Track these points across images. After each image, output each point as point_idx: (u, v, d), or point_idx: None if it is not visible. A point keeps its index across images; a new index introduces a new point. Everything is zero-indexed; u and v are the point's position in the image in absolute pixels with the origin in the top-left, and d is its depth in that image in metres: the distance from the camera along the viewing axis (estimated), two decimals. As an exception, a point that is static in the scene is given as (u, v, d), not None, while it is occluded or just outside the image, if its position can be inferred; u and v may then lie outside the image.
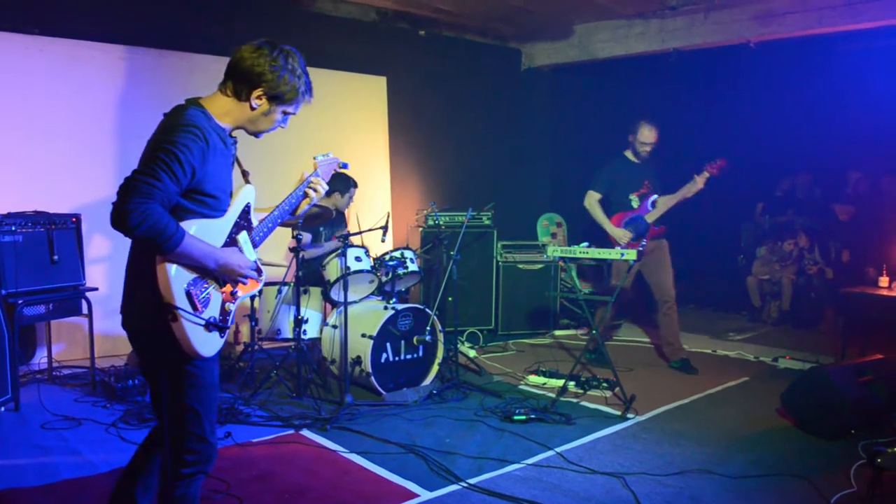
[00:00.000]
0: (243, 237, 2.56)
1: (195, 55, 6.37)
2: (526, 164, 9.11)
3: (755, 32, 6.95)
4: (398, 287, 5.69)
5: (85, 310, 5.29)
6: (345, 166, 3.04)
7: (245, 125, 2.51)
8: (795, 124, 9.09)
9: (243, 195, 2.58)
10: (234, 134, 2.55)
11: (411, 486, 3.67)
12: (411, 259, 5.61)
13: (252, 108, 2.45)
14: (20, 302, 4.79)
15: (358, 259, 5.30)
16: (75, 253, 5.26)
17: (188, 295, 2.30)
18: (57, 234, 5.12)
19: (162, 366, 2.41)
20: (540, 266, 7.66)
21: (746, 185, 9.26)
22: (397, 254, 5.57)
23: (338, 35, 7.44)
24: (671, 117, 9.09)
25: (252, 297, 5.37)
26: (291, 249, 5.15)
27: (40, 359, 5.70)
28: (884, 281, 6.05)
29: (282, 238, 6.49)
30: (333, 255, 5.36)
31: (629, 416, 4.86)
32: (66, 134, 5.90)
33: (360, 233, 5.39)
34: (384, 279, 5.51)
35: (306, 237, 5.54)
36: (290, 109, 2.54)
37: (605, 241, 6.13)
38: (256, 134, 2.57)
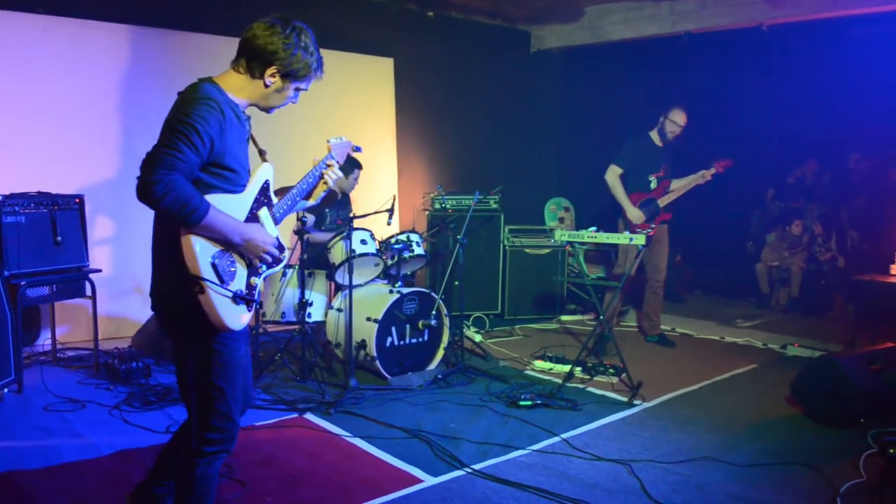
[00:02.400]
0: (264, 213, 2.57)
1: (201, 35, 6.30)
2: (534, 147, 9.03)
3: (768, 15, 6.83)
4: (404, 270, 5.65)
5: (89, 291, 5.26)
6: (358, 149, 3.05)
7: (258, 101, 2.53)
8: (808, 110, 8.97)
9: (262, 172, 2.59)
10: (247, 112, 2.55)
11: (415, 472, 3.65)
12: (417, 242, 5.57)
13: (266, 86, 2.47)
14: (23, 283, 4.76)
15: (363, 242, 5.25)
16: (79, 234, 5.23)
17: (213, 267, 2.32)
18: (60, 215, 5.09)
19: (190, 344, 2.43)
20: (547, 251, 7.60)
21: (756, 171, 9.17)
22: (403, 237, 5.53)
23: (345, 16, 7.37)
24: (681, 101, 9.01)
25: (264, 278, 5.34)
26: (296, 232, 5.11)
27: (44, 340, 5.69)
28: (895, 269, 5.97)
29: (287, 221, 6.44)
30: (339, 237, 5.32)
31: (636, 402, 4.82)
32: (70, 114, 5.86)
33: (365, 215, 5.35)
34: (390, 262, 5.47)
35: (310, 219, 5.50)
36: (302, 86, 2.56)
37: (613, 225, 6.11)
38: (268, 110, 2.59)
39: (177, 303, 2.35)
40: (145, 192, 2.15)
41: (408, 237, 5.54)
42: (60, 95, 5.82)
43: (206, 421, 2.46)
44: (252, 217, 2.51)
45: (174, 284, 2.33)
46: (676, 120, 6.01)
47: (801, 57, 8.63)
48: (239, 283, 2.42)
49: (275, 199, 2.65)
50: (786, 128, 9.22)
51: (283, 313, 5.44)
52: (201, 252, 2.29)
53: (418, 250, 5.54)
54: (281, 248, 2.63)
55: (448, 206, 7.04)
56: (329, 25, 7.20)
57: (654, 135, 6.19)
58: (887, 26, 7.41)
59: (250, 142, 2.61)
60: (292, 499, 3.34)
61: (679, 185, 6.09)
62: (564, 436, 4.17)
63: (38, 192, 5.10)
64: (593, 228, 5.47)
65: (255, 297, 2.50)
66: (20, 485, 3.39)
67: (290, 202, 2.71)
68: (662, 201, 6.08)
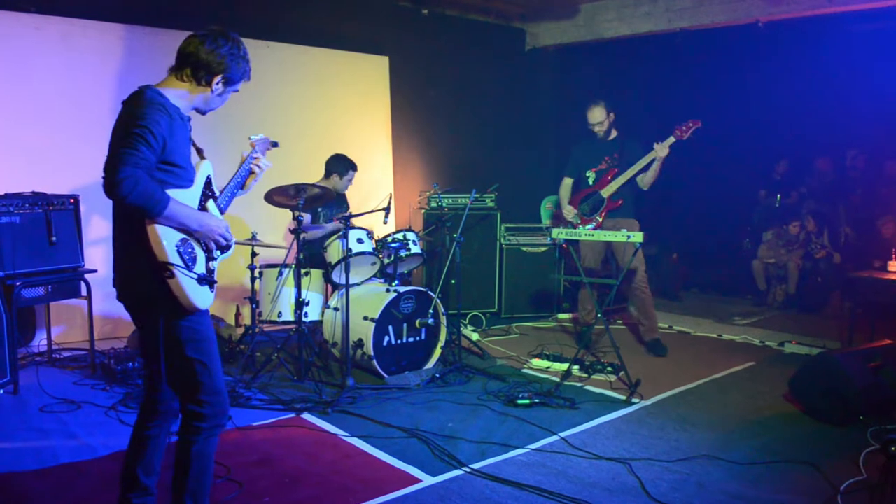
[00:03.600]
0: (211, 205, 2.80)
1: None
2: (530, 145, 9.01)
3: (764, 12, 6.83)
4: (400, 269, 5.63)
5: (84, 292, 5.24)
6: (275, 145, 3.24)
7: (200, 105, 2.75)
8: (804, 106, 8.98)
9: (203, 169, 2.80)
10: (188, 114, 2.75)
11: (413, 471, 3.63)
12: (414, 241, 5.55)
13: (213, 92, 2.71)
14: (18, 283, 4.73)
15: (360, 241, 5.24)
16: (74, 234, 5.20)
17: (178, 253, 2.53)
18: (55, 215, 5.06)
19: (165, 327, 2.59)
20: (543, 249, 7.59)
21: (753, 167, 9.19)
22: (399, 236, 5.52)
23: (340, 14, 7.34)
24: (676, 98, 9.01)
25: (253, 280, 5.32)
26: (292, 231, 5.09)
27: (39, 341, 5.66)
28: (893, 266, 5.96)
29: (282, 220, 6.43)
30: (335, 236, 5.30)
31: (634, 400, 4.81)
32: (64, 114, 5.82)
33: (361, 214, 5.33)
34: (386, 261, 5.45)
35: (306, 218, 5.48)
36: (236, 88, 2.81)
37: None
38: (205, 112, 2.81)
39: (148, 290, 2.54)
40: (114, 190, 2.35)
41: (404, 236, 5.53)
42: (54, 95, 5.78)
43: (195, 396, 2.62)
44: (202, 209, 2.73)
45: (144, 273, 2.52)
46: (589, 119, 6.03)
47: (797, 54, 8.63)
48: (200, 267, 2.63)
49: (217, 192, 2.86)
50: (782, 125, 9.22)
51: (280, 313, 5.42)
52: (166, 239, 2.49)
53: (415, 249, 5.53)
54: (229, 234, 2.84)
55: (444, 205, 7.02)
56: (323, 23, 7.19)
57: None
58: (883, 22, 7.42)
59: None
60: (290, 499, 3.32)
61: (634, 168, 5.82)
62: (563, 434, 4.15)
63: (33, 193, 5.07)
64: (590, 226, 5.46)
65: (215, 278, 2.71)
66: (15, 486, 3.37)
67: (229, 194, 2.93)
68: (606, 191, 5.94)
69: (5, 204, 4.78)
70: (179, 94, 2.66)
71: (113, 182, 2.35)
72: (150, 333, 2.64)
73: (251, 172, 3.02)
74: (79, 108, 5.88)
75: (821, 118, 8.85)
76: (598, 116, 5.99)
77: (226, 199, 2.90)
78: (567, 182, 6.29)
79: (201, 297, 2.59)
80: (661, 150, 5.66)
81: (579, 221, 6.01)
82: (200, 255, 2.65)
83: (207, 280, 2.64)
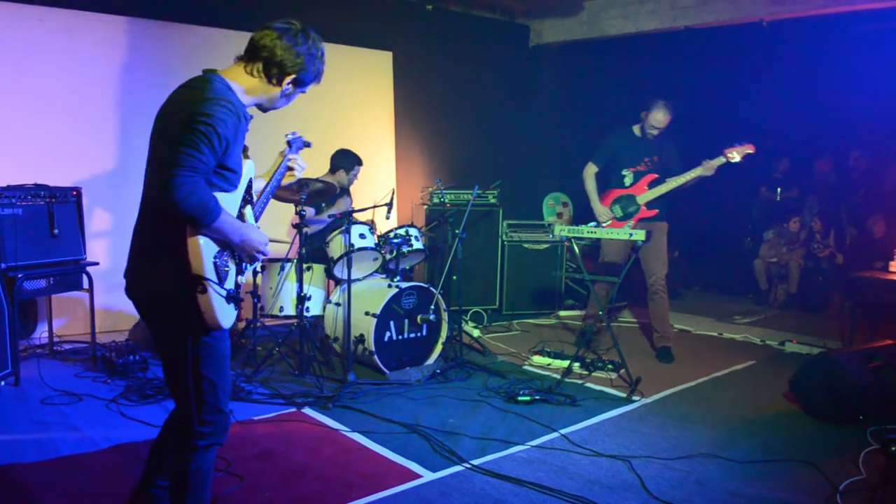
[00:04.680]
0: (248, 211, 2.61)
1: (199, 27, 6.26)
2: (533, 142, 9.00)
3: (769, 11, 6.82)
4: (402, 265, 5.64)
5: (86, 284, 5.24)
6: (308, 145, 3.08)
7: (264, 103, 2.58)
8: (808, 106, 8.97)
9: (247, 170, 2.59)
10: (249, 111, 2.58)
11: (414, 467, 3.64)
12: (416, 237, 5.55)
13: (283, 92, 2.53)
14: (20, 276, 4.74)
15: (362, 236, 5.24)
16: (76, 227, 5.21)
17: (215, 267, 2.35)
18: (57, 208, 5.06)
19: (179, 338, 2.41)
20: (545, 246, 7.59)
21: (754, 165, 9.13)
22: (402, 231, 5.52)
23: (344, 8, 7.32)
24: (680, 97, 8.96)
25: (255, 274, 5.32)
26: (295, 226, 5.09)
27: (41, 333, 5.67)
28: (894, 266, 5.96)
29: (285, 214, 6.43)
30: (337, 231, 5.30)
31: (635, 398, 4.81)
32: (67, 106, 5.83)
33: (364, 209, 5.33)
34: (388, 257, 5.45)
35: (309, 211, 5.49)
36: (304, 90, 2.62)
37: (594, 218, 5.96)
38: (267, 110, 2.63)
39: (174, 301, 2.33)
40: (168, 193, 2.14)
41: (406, 231, 5.53)
42: (57, 87, 5.78)
43: (198, 414, 2.46)
44: (239, 216, 2.53)
45: (171, 281, 2.31)
46: (654, 120, 5.65)
47: (801, 53, 8.62)
48: (230, 283, 2.46)
49: (254, 197, 2.70)
50: (784, 124, 9.21)
51: (282, 307, 5.42)
52: (206, 252, 2.30)
53: (417, 245, 5.53)
54: None
55: (447, 201, 7.02)
56: (328, 18, 7.16)
57: (636, 129, 5.86)
58: (888, 22, 7.40)
59: None
60: (291, 493, 3.33)
61: (676, 181, 5.65)
62: (563, 431, 4.16)
63: (36, 185, 5.07)
64: (593, 224, 5.46)
65: (241, 295, 2.54)
66: (17, 478, 3.37)
67: (265, 199, 2.76)
68: (643, 198, 5.73)
69: (8, 196, 4.79)
70: (247, 89, 2.49)
71: (168, 183, 2.14)
72: (167, 344, 2.48)
73: (288, 170, 2.87)
74: (82, 101, 5.88)
75: (823, 118, 8.85)
76: (662, 120, 5.64)
77: (262, 205, 2.73)
78: (593, 169, 5.93)
79: (227, 315, 2.41)
80: (708, 170, 5.50)
81: (609, 223, 5.78)
82: (232, 270, 2.47)
83: (234, 298, 2.46)
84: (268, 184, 2.79)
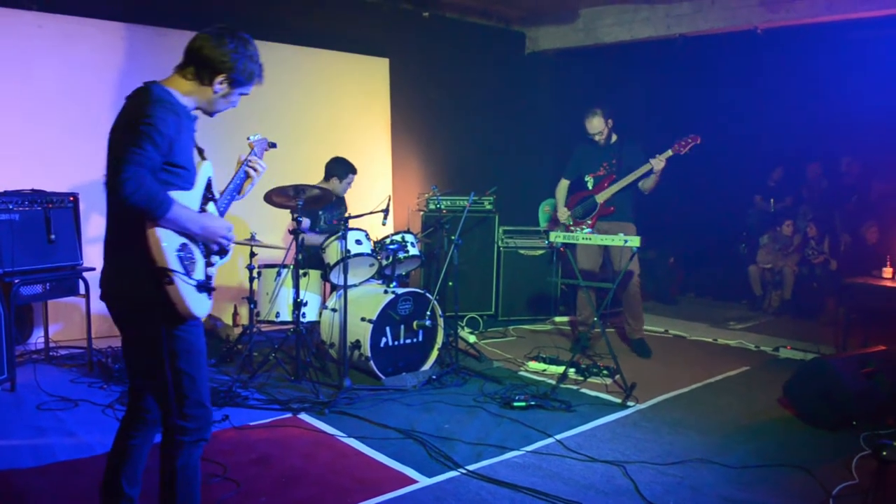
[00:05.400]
0: (211, 207, 2.72)
1: (196, 34, 6.28)
2: (529, 149, 9.04)
3: (763, 19, 6.86)
4: (398, 271, 5.65)
5: (82, 290, 5.25)
6: (273, 146, 3.15)
7: (204, 105, 2.66)
8: (801, 113, 9.02)
9: (204, 170, 2.71)
10: (194, 113, 2.67)
11: (409, 472, 3.65)
12: (412, 243, 5.57)
13: (215, 92, 2.60)
14: (17, 281, 4.74)
15: (358, 242, 5.25)
16: (73, 232, 5.22)
17: (179, 259, 2.43)
18: (54, 213, 5.07)
19: (157, 334, 2.47)
20: (541, 252, 7.61)
21: (750, 172, 9.23)
22: (398, 237, 5.53)
23: (341, 16, 7.36)
24: (675, 104, 9.05)
25: (251, 280, 5.33)
26: (291, 232, 5.11)
27: (37, 339, 5.66)
28: (887, 272, 6.00)
29: (281, 220, 6.44)
30: (334, 238, 5.31)
31: (629, 403, 4.83)
32: (65, 112, 5.84)
33: (360, 216, 5.34)
34: (384, 263, 5.47)
35: (304, 221, 5.50)
36: (245, 91, 2.69)
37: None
38: (212, 113, 2.72)
39: (143, 295, 2.42)
40: (117, 189, 2.27)
41: (403, 237, 5.54)
42: (55, 93, 5.80)
43: (180, 409, 2.50)
44: (202, 211, 2.64)
45: (140, 277, 2.40)
46: (588, 128, 6.06)
47: (795, 61, 8.68)
48: (199, 273, 2.53)
49: (217, 195, 2.78)
50: (779, 130, 9.27)
51: (278, 313, 5.43)
52: (168, 244, 2.39)
53: (413, 251, 5.54)
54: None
55: (443, 207, 7.04)
56: (324, 25, 7.20)
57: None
58: (881, 30, 7.46)
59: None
60: (286, 499, 3.34)
61: (628, 178, 5.91)
62: (558, 437, 4.18)
63: (32, 190, 5.08)
64: (587, 230, 5.48)
65: (213, 284, 2.62)
66: (14, 483, 3.38)
67: (228, 198, 2.83)
68: (600, 196, 6.03)
69: (4, 201, 4.80)
70: (184, 92, 2.57)
71: (116, 181, 2.27)
72: (145, 344, 2.52)
73: (248, 176, 2.91)
74: (79, 107, 5.89)
75: (817, 125, 8.90)
76: (597, 126, 6.05)
77: (225, 203, 2.81)
78: (564, 184, 6.38)
79: (199, 305, 2.48)
80: (658, 163, 5.77)
81: (571, 223, 6.11)
82: (200, 261, 2.55)
83: (206, 287, 2.54)
84: (228, 183, 2.85)
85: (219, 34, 2.57)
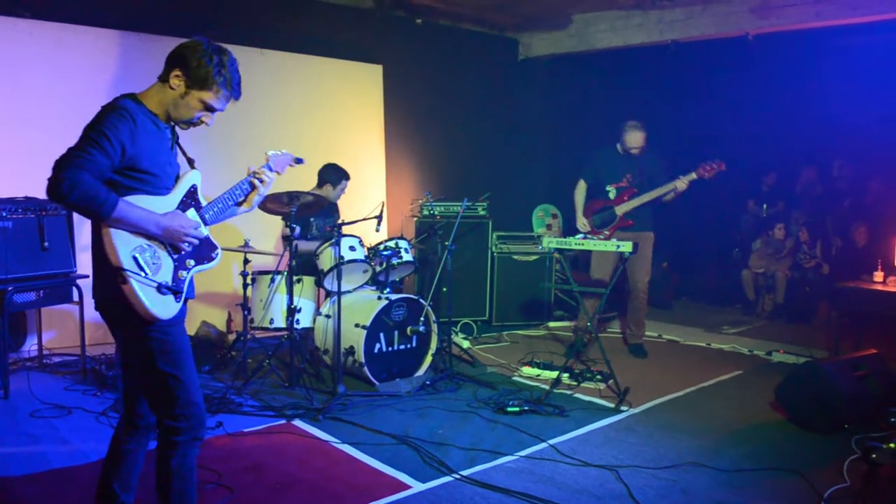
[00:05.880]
0: (192, 213, 2.68)
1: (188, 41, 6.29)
2: (522, 154, 9.07)
3: (754, 25, 6.91)
4: (392, 277, 5.66)
5: (76, 297, 5.25)
6: (300, 161, 3.14)
7: (168, 108, 2.60)
8: (793, 118, 9.07)
9: (189, 178, 2.72)
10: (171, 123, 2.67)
11: (403, 478, 3.66)
12: (406, 249, 5.58)
13: (171, 88, 2.55)
14: (10, 288, 4.74)
15: (352, 248, 5.27)
16: (66, 240, 5.22)
17: (135, 259, 2.43)
18: (48, 221, 5.07)
19: (129, 337, 2.52)
20: (535, 257, 7.63)
21: (742, 178, 9.24)
22: (392, 243, 5.55)
23: (334, 23, 7.38)
24: (668, 109, 9.08)
25: (245, 286, 5.34)
26: (285, 238, 5.11)
27: (30, 346, 5.66)
28: (878, 276, 6.03)
29: (274, 227, 6.45)
30: (327, 244, 5.33)
31: (623, 408, 4.85)
32: (57, 119, 5.82)
33: (354, 222, 5.36)
34: (378, 269, 5.48)
35: (295, 230, 5.50)
36: (208, 99, 2.57)
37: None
38: (178, 122, 2.64)
39: (108, 296, 2.46)
40: (52, 190, 2.29)
41: (396, 244, 5.56)
42: (47, 100, 5.80)
43: (170, 410, 2.52)
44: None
45: (104, 279, 2.46)
46: (629, 141, 6.06)
47: (786, 66, 8.73)
48: (164, 276, 2.52)
49: (203, 202, 2.74)
50: (771, 136, 9.31)
51: (272, 319, 5.44)
52: (120, 243, 2.40)
53: (407, 257, 5.56)
54: (212, 246, 2.75)
55: (436, 213, 7.06)
56: (318, 32, 7.22)
57: (619, 146, 6.21)
58: (870, 36, 7.52)
59: (179, 151, 2.74)
60: (280, 505, 3.35)
61: (651, 195, 5.99)
62: (552, 441, 4.19)
63: (26, 198, 5.08)
64: (580, 235, 5.51)
65: (182, 288, 2.58)
66: (7, 491, 3.38)
67: (220, 206, 2.79)
68: (621, 209, 6.06)
69: (-2, 209, 4.80)
70: (152, 97, 2.58)
71: (53, 181, 2.30)
72: (127, 346, 2.56)
73: (253, 188, 2.87)
74: (72, 114, 5.81)
75: (809, 130, 8.94)
76: (639, 140, 6.05)
77: (213, 212, 2.76)
78: (583, 186, 6.34)
79: (161, 307, 2.46)
80: (681, 184, 5.87)
81: (588, 231, 6.11)
82: (167, 263, 2.54)
83: (170, 289, 2.51)
84: (223, 193, 2.82)
85: (196, 39, 2.57)
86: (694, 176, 5.84)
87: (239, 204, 2.90)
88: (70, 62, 5.90)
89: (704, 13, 7.21)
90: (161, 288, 2.47)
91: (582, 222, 6.21)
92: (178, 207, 2.62)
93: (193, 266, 2.66)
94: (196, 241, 2.63)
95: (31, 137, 5.69)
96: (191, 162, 2.79)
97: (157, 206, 2.52)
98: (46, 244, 5.04)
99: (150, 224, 2.46)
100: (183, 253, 2.61)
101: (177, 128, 2.69)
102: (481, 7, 7.89)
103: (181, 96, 2.56)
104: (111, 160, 2.39)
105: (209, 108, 2.60)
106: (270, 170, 2.94)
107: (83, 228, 5.80)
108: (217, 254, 2.77)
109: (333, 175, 5.96)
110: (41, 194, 5.11)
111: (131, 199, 2.44)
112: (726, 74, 9.15)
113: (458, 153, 8.42)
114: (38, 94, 5.75)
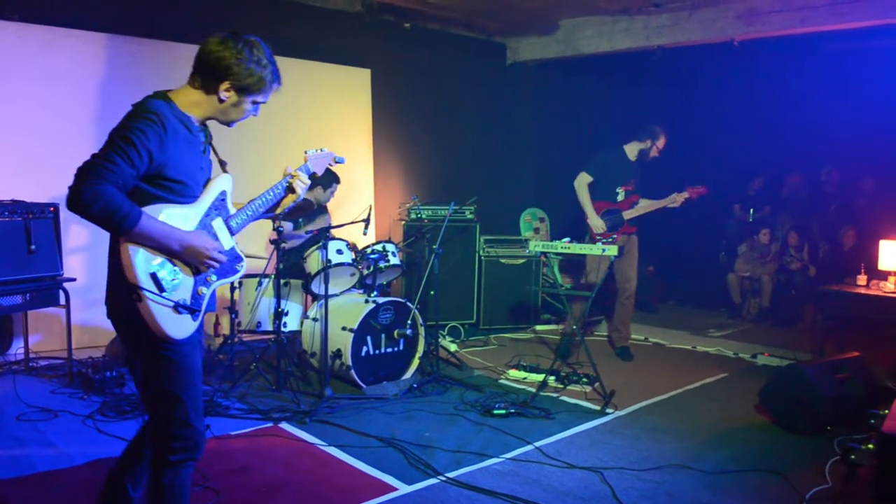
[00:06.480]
0: (218, 223, 2.57)
1: (177, 44, 6.28)
2: (509, 158, 9.10)
3: (739, 31, 6.97)
4: (380, 280, 5.68)
5: (63, 300, 5.23)
6: (340, 161, 3.03)
7: (216, 116, 2.55)
8: (779, 123, 9.16)
9: (219, 183, 2.60)
10: (206, 123, 2.59)
11: (390, 480, 3.67)
12: (393, 252, 5.60)
13: (221, 101, 2.48)
14: (-4, 292, 4.73)
15: (339, 252, 5.28)
16: (53, 243, 5.20)
17: (153, 277, 2.33)
18: (34, 224, 5.06)
19: (139, 351, 2.44)
20: (522, 261, 7.66)
21: (728, 182, 9.33)
22: (379, 247, 5.56)
23: (322, 26, 7.40)
24: (654, 115, 9.12)
25: (232, 290, 5.34)
26: (272, 241, 5.12)
27: (17, 349, 5.64)
28: (861, 279, 6.10)
29: (262, 230, 6.45)
30: (315, 247, 5.34)
31: (608, 411, 4.88)
32: (45, 122, 5.83)
33: (342, 225, 5.37)
34: (365, 272, 5.50)
35: (287, 227, 5.51)
36: (259, 99, 2.56)
37: (583, 233, 6.23)
38: (228, 123, 2.60)
39: (120, 311, 2.38)
40: (74, 201, 2.18)
41: (384, 247, 5.57)
42: (35, 103, 5.79)
43: (166, 429, 2.45)
44: (204, 227, 2.52)
45: (117, 293, 2.36)
46: (662, 145, 6.24)
47: (771, 72, 8.81)
48: (183, 293, 2.42)
49: (232, 210, 2.64)
50: (757, 140, 9.39)
51: (259, 322, 5.44)
52: (140, 261, 2.30)
53: (394, 260, 5.57)
54: (236, 258, 2.63)
55: (424, 217, 7.08)
56: (306, 36, 7.23)
57: (628, 148, 6.30)
58: (854, 42, 7.61)
59: (212, 153, 2.64)
60: (267, 507, 3.36)
61: (648, 204, 6.21)
62: (538, 444, 4.21)
63: (12, 201, 5.07)
64: (567, 239, 5.53)
65: (200, 306, 2.48)
66: (-8, 495, 3.37)
67: (250, 212, 2.68)
68: (628, 214, 6.20)
69: (-16, 212, 4.79)
70: (191, 103, 2.47)
71: (75, 192, 2.18)
72: (137, 359, 2.48)
73: (290, 191, 2.77)
74: (60, 117, 5.89)
75: (795, 135, 9.03)
76: (662, 147, 6.27)
77: (242, 219, 2.64)
78: (586, 178, 6.29)
79: (176, 326, 2.37)
80: (679, 201, 6.15)
81: (601, 233, 6.17)
82: (186, 281, 2.43)
83: (188, 308, 2.40)
84: (256, 197, 2.70)
85: (224, 38, 2.45)
86: (687, 195, 6.10)
87: (271, 210, 2.79)
88: (58, 65, 5.89)
89: (690, 19, 7.28)
90: (178, 307, 2.38)
91: (598, 223, 6.18)
92: (204, 216, 2.51)
93: (216, 281, 2.56)
94: (216, 265, 2.50)
95: (18, 140, 5.68)
96: (223, 164, 2.70)
97: (181, 215, 2.42)
98: (33, 247, 5.02)
99: (171, 241, 2.35)
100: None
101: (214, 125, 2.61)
102: (469, 12, 7.93)
103: (234, 105, 2.51)
104: (136, 170, 2.27)
105: (255, 103, 2.58)
106: (308, 171, 2.86)
107: (70, 232, 5.80)
108: (242, 265, 2.65)
109: (324, 178, 5.97)
110: (28, 197, 5.16)
111: (154, 208, 2.34)
112: (713, 80, 9.23)
113: (445, 157, 8.44)
114: (25, 96, 5.74)
